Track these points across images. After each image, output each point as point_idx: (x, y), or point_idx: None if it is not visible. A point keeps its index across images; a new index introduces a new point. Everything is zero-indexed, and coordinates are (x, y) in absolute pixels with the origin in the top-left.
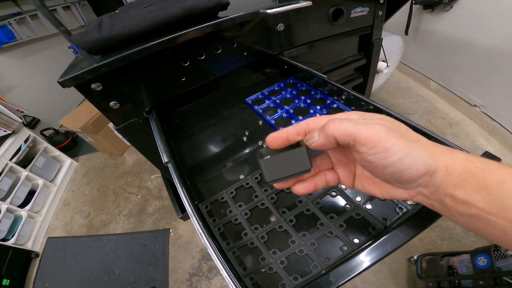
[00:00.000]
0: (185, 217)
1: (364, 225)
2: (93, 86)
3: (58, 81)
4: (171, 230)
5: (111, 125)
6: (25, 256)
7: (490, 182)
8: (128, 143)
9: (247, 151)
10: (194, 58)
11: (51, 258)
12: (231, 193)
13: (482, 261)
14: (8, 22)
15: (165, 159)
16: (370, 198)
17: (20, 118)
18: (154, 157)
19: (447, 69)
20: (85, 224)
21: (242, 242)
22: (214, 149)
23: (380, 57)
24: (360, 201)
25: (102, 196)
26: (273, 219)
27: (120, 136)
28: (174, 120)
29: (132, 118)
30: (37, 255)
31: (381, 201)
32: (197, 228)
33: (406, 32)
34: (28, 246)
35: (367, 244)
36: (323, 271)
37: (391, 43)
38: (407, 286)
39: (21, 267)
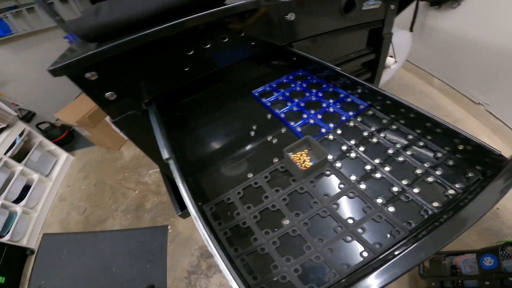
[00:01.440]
0: (185, 214)
1: (386, 229)
2: (87, 75)
3: (48, 70)
4: (169, 227)
5: (108, 118)
6: (20, 253)
7: None
8: (125, 137)
9: (255, 147)
10: (199, 47)
11: (47, 255)
12: (239, 193)
13: (488, 261)
14: (4, 15)
15: (165, 155)
16: (392, 200)
17: (15, 111)
18: (153, 153)
19: (452, 67)
20: (81, 220)
21: (252, 248)
22: (219, 144)
23: (388, 52)
24: (381, 202)
25: (99, 191)
26: (285, 222)
27: (117, 130)
28: (175, 112)
29: (130, 111)
30: (32, 252)
31: (404, 203)
32: (203, 234)
33: (411, 29)
34: (23, 242)
35: (391, 249)
36: (343, 280)
37: (400, 39)
38: (409, 285)
39: (17, 264)
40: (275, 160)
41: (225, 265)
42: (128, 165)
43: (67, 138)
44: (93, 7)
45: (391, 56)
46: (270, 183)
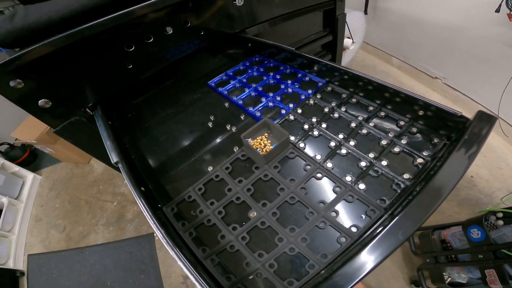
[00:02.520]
0: None
1: (359, 209)
2: (12, 84)
3: None
4: (155, 234)
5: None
6: (10, 276)
7: None
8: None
9: (214, 138)
10: (140, 41)
11: (38, 276)
12: (200, 189)
13: (475, 233)
14: None
15: (113, 159)
16: (362, 176)
17: None
18: (108, 159)
19: (407, 46)
20: (62, 238)
21: (221, 247)
22: (176, 141)
23: (345, 34)
24: (351, 180)
25: (75, 207)
26: (252, 214)
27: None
28: (127, 114)
29: (72, 117)
30: (22, 273)
31: (374, 178)
32: (161, 238)
33: (366, 11)
34: (10, 265)
35: (369, 232)
36: (322, 271)
37: (354, 19)
38: (404, 263)
39: (11, 287)
40: (236, 148)
41: (188, 269)
42: (101, 178)
43: (30, 157)
44: (9, 13)
45: (348, 38)
46: (232, 174)
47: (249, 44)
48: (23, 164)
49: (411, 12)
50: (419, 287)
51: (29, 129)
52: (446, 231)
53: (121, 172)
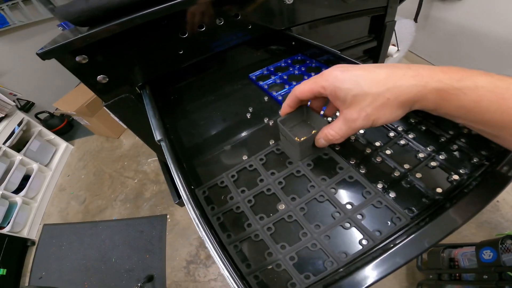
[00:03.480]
0: (182, 203)
1: (386, 216)
2: (78, 58)
3: (37, 53)
4: (168, 216)
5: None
6: (21, 244)
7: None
8: (123, 125)
9: (251, 129)
10: (194, 29)
11: (48, 246)
12: (232, 176)
13: (487, 254)
14: (1, 7)
15: (157, 136)
16: (393, 185)
17: (13, 101)
18: (147, 137)
19: (456, 59)
20: (81, 210)
21: (245, 235)
22: (213, 127)
23: (390, 41)
24: (382, 187)
25: (98, 180)
26: (281, 207)
27: (111, 115)
28: (170, 96)
29: (122, 94)
30: (33, 243)
31: (406, 188)
32: (193, 218)
33: (416, 19)
34: (24, 233)
35: (392, 238)
36: (340, 269)
37: (403, 28)
38: (406, 277)
39: (18, 256)
40: (271, 142)
41: (216, 252)
42: (127, 154)
43: (66, 127)
44: None
45: (393, 45)
46: (265, 166)
47: (293, 43)
48: (59, 133)
49: (467, 24)
50: None
51: (71, 101)
52: (457, 250)
53: (153, 148)
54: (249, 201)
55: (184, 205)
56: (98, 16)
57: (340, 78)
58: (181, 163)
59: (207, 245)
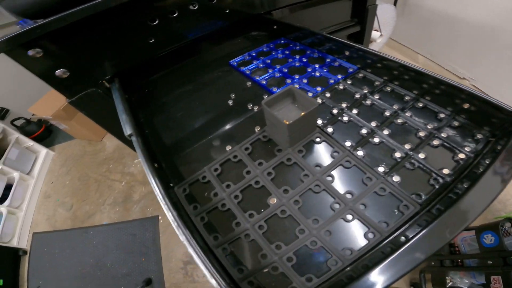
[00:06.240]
0: None
1: (392, 204)
2: (31, 53)
3: None
4: (160, 217)
5: None
6: (13, 254)
7: None
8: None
9: (234, 117)
10: (164, 15)
11: (40, 255)
12: (216, 170)
13: (489, 239)
14: None
15: (127, 131)
16: (396, 168)
17: None
18: (121, 134)
19: (435, 43)
20: (69, 216)
21: (234, 235)
22: (193, 118)
23: (373, 25)
24: (383, 171)
25: (84, 185)
26: (272, 201)
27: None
28: (144, 89)
29: (88, 89)
30: (25, 252)
31: (410, 170)
32: (171, 220)
33: (394, 4)
34: (14, 243)
35: (401, 229)
36: (347, 268)
37: (384, 12)
38: None
39: (12, 266)
40: (257, 128)
41: (200, 257)
42: (112, 156)
43: (44, 133)
44: None
45: (376, 30)
46: (251, 156)
47: (275, 27)
48: (38, 140)
49: (446, 9)
50: None
51: (46, 105)
52: None
53: (133, 147)
54: (236, 196)
55: None
56: (50, 7)
57: None
58: (156, 159)
59: (189, 250)
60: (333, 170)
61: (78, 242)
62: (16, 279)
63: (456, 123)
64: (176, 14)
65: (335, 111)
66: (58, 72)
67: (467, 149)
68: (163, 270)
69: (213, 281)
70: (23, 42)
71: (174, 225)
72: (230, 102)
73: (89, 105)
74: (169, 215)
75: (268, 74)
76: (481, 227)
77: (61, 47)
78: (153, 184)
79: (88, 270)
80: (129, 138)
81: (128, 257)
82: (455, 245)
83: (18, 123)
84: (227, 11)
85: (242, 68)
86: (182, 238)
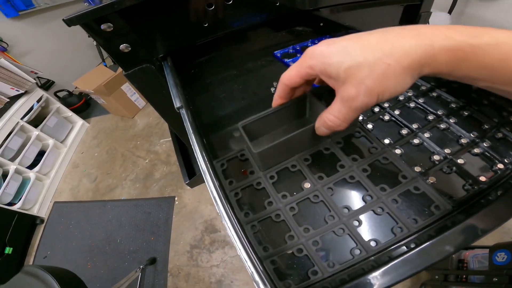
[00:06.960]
0: (192, 183)
1: (423, 203)
2: (103, 26)
3: (63, 19)
4: (176, 198)
5: (124, 87)
6: (30, 223)
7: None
8: (139, 106)
9: None
10: (221, 2)
11: (55, 225)
12: None
13: (501, 257)
14: None
15: (177, 103)
16: (433, 171)
17: (34, 79)
18: (165, 110)
19: None
20: (91, 188)
21: (265, 214)
22: (235, 100)
23: None
24: (419, 171)
25: (111, 159)
26: (306, 185)
27: (127, 95)
28: (190, 70)
29: (144, 64)
30: (42, 221)
31: (446, 175)
32: (211, 191)
33: (449, 13)
34: (34, 211)
35: (430, 227)
36: (371, 257)
37: (438, 20)
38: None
39: (25, 235)
40: None
41: (235, 230)
42: (141, 134)
43: (83, 105)
44: None
45: None
46: None
47: (321, 24)
48: (76, 111)
49: (503, 25)
50: None
51: (89, 81)
52: (468, 251)
53: (173, 122)
54: (272, 176)
55: (194, 185)
56: None
57: (327, 52)
58: (199, 131)
59: (224, 221)
60: (370, 164)
61: (95, 215)
62: (26, 248)
63: (500, 135)
64: (231, 2)
65: (376, 109)
66: (122, 46)
67: (506, 160)
68: (170, 251)
69: (243, 254)
70: (99, 16)
71: (214, 194)
72: (273, 90)
73: (142, 79)
74: (210, 184)
75: None
76: (496, 246)
77: (129, 23)
78: (198, 154)
79: (97, 244)
80: (178, 111)
81: (139, 235)
82: (464, 261)
83: (61, 94)
84: (278, 4)
85: (286, 60)
86: (218, 209)
